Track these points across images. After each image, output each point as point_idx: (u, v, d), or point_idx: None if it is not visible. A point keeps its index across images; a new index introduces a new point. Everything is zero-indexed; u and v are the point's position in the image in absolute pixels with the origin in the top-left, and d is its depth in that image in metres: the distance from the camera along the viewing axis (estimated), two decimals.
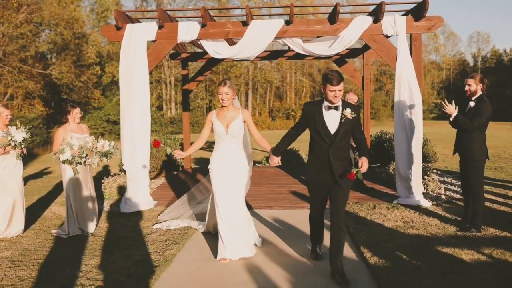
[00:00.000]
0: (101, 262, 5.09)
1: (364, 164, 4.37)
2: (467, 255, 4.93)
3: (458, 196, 8.02)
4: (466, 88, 5.85)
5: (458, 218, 6.45)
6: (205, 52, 10.47)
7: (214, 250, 5.24)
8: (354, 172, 4.25)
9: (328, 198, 4.70)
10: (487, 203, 7.27)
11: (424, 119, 7.71)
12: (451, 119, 5.90)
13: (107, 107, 45.31)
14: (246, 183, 5.35)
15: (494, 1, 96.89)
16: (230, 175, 5.12)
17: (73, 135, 6.22)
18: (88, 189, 6.39)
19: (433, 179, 8.73)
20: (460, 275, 4.36)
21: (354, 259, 5.05)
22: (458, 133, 6.05)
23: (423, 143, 10.68)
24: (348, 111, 4.41)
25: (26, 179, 11.27)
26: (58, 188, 10.05)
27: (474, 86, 5.76)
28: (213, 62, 11.84)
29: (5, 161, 6.16)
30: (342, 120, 4.42)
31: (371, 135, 11.70)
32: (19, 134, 6.14)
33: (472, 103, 5.80)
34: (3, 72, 34.49)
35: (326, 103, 4.48)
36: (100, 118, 43.17)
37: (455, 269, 4.53)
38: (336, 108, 4.45)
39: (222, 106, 5.19)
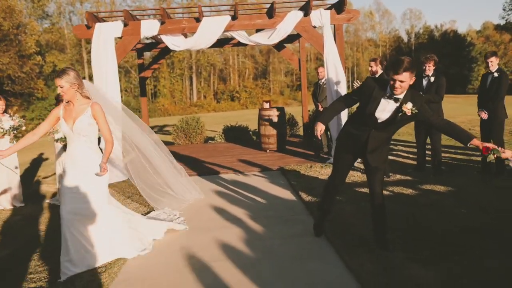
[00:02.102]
0: None
1: (507, 152, 3.74)
2: None
3: None
4: (369, 69, 7.66)
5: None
6: (158, 43, 11.88)
7: None
8: (495, 154, 3.68)
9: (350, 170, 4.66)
10: (399, 158, 9.24)
11: None
12: None
13: (51, 97, 45.04)
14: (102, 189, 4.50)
15: None
16: (76, 182, 4.34)
17: None
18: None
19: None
20: (368, 203, 6.13)
21: (294, 199, 6.74)
22: None
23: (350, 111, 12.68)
24: (409, 106, 3.95)
25: None
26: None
27: (375, 67, 7.58)
28: (166, 51, 13.16)
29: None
30: (399, 115, 4.03)
31: (309, 110, 13.41)
32: (7, 122, 7.36)
33: None
34: None
35: (388, 90, 4.02)
36: (45, 108, 42.82)
37: (365, 199, 6.27)
38: (396, 100, 3.99)
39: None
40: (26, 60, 41.50)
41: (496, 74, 7.20)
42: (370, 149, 4.25)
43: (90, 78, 47.81)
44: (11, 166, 7.43)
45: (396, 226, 5.03)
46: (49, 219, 6.45)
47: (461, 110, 22.11)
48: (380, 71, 7.64)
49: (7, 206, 7.36)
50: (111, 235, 4.48)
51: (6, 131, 7.19)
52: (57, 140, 7.27)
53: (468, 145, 3.82)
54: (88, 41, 45.53)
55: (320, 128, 4.33)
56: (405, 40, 79.19)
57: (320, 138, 4.78)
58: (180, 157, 10.99)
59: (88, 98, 4.44)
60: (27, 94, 42.31)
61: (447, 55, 62.48)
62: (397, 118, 4.04)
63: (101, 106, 4.44)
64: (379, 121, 4.10)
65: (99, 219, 4.38)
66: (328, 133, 10.15)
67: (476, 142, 3.78)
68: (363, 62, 75.04)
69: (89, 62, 52.25)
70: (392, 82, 3.88)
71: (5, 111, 7.44)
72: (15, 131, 7.35)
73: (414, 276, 3.69)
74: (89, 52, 51.02)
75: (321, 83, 10.20)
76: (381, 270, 3.85)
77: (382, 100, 4.02)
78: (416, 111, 3.94)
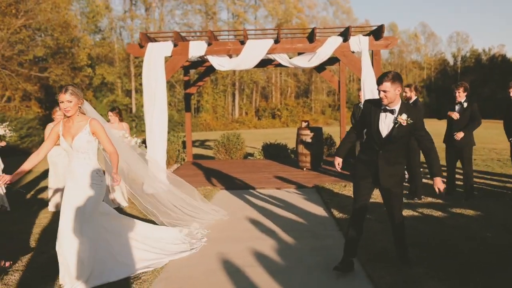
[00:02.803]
0: None
1: (439, 185, 4.43)
2: (406, 212, 6.98)
3: None
4: (404, 94, 7.97)
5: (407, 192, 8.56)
6: (203, 61, 12.51)
7: None
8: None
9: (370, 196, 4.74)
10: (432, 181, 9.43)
11: None
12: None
13: (98, 108, 46.47)
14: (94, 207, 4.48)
15: (472, 1, 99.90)
16: (73, 198, 4.40)
17: None
18: None
19: None
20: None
21: (326, 216, 7.10)
22: None
23: None
24: (403, 117, 4.29)
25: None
26: None
27: (409, 93, 7.89)
28: (211, 69, 13.79)
29: None
30: (396, 126, 4.32)
31: (347, 131, 13.68)
32: None
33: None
34: (2, 76, 35.95)
35: (383, 105, 4.41)
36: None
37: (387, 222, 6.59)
38: (392, 112, 4.36)
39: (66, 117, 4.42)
40: (78, 72, 43.32)
41: None
42: (382, 171, 4.44)
43: (137, 91, 49.21)
44: None
45: (420, 244, 5.33)
46: None
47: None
48: (414, 97, 7.94)
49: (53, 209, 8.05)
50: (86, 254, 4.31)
51: None
52: None
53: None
54: (137, 56, 47.35)
55: (337, 161, 4.83)
56: (451, 63, 78.06)
57: (340, 170, 4.94)
58: (220, 172, 11.51)
59: (84, 114, 4.50)
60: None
61: (494, 80, 61.35)
62: (395, 131, 4.32)
63: (99, 121, 4.51)
64: (383, 136, 4.38)
65: (82, 235, 4.29)
66: None
67: (436, 180, 4.43)
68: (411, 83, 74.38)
69: (136, 75, 54.24)
70: (379, 94, 4.31)
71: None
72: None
73: None
74: (136, 66, 52.95)
75: (360, 105, 10.54)
76: (400, 283, 4.17)
77: (381, 114, 4.38)
78: (411, 121, 4.28)
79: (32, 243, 5.98)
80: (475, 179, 9.57)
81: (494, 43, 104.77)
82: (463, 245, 5.31)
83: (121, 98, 51.59)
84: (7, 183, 4.12)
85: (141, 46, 9.71)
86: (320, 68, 13.65)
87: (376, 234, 5.85)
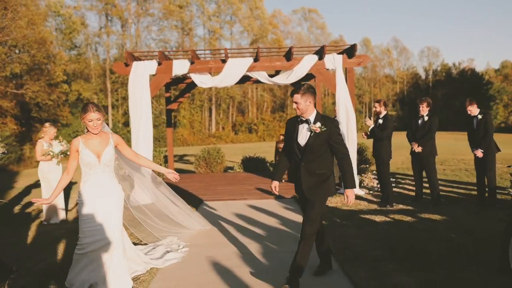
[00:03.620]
0: None
1: (349, 198, 4.55)
2: (379, 218, 7.56)
3: None
4: (373, 109, 8.60)
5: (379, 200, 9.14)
6: (184, 78, 12.99)
7: None
8: None
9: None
10: (403, 190, 10.08)
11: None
12: (369, 130, 8.63)
13: (74, 124, 46.46)
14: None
15: (443, 17, 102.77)
16: (104, 209, 4.59)
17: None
18: None
19: (368, 176, 11.41)
20: (371, 227, 6.99)
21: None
22: (373, 142, 8.76)
23: (364, 149, 13.59)
24: (317, 125, 4.46)
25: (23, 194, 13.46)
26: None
27: (379, 108, 8.52)
28: (192, 86, 14.28)
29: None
30: (311, 134, 4.48)
31: None
32: (57, 147, 8.45)
33: (380, 120, 8.53)
34: None
35: (300, 117, 4.62)
36: (69, 135, 43.88)
37: (368, 224, 7.15)
38: (307, 121, 4.55)
39: (89, 132, 4.58)
40: (54, 88, 43.17)
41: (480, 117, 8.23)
42: (304, 181, 4.58)
43: (113, 107, 49.13)
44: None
45: (391, 246, 5.88)
46: None
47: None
48: (384, 112, 8.56)
49: (56, 221, 8.39)
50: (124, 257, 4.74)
51: (55, 154, 8.25)
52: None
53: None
54: (112, 72, 47.00)
55: (274, 185, 4.87)
56: (423, 77, 79.90)
57: (277, 194, 5.00)
58: (202, 185, 11.95)
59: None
60: (53, 121, 43.82)
61: (464, 93, 62.96)
62: (310, 139, 4.49)
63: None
64: (301, 145, 4.55)
65: (119, 245, 4.62)
66: None
67: (347, 192, 4.53)
68: (380, 98, 75.77)
69: (112, 91, 54.32)
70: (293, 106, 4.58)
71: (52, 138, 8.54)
72: (62, 155, 8.39)
73: (399, 281, 4.54)
74: (113, 82, 53.11)
75: (336, 118, 11.14)
76: (373, 277, 4.70)
77: (299, 126, 4.62)
78: (324, 128, 4.45)
79: (30, 252, 6.34)
80: (443, 188, 10.27)
81: (464, 57, 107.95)
82: (430, 245, 5.87)
83: None
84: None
85: (127, 64, 10.16)
86: (297, 84, 14.23)
87: (352, 238, 6.38)
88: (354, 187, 4.59)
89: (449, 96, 63.79)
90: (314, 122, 4.50)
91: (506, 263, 4.63)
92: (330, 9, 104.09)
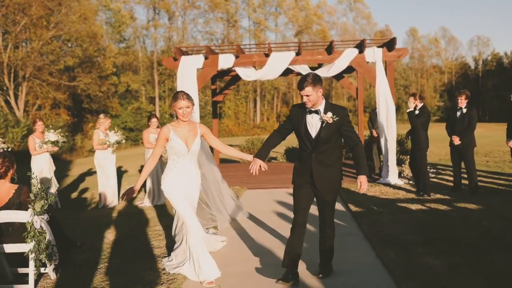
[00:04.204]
0: None
1: (362, 184, 4.41)
2: (415, 207, 7.86)
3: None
4: (409, 104, 8.87)
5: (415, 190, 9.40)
6: (229, 71, 13.51)
7: None
8: None
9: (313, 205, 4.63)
10: (443, 180, 10.28)
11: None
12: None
13: (123, 115, 47.90)
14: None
15: (493, 5, 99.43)
16: (191, 194, 4.85)
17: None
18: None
19: (407, 167, 11.62)
20: (406, 214, 7.30)
21: (343, 210, 8.00)
22: (411, 132, 9.01)
23: (405, 140, 13.75)
24: (328, 115, 4.30)
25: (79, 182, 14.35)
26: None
27: (414, 101, 8.77)
28: (236, 78, 14.78)
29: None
30: (323, 125, 4.34)
31: (365, 135, 14.57)
32: (113, 137, 9.12)
33: (417, 111, 8.78)
34: (34, 85, 37.54)
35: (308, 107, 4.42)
36: (117, 125, 45.24)
37: (404, 212, 7.47)
38: (316, 112, 4.38)
39: (179, 120, 4.68)
40: (104, 81, 44.75)
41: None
42: (316, 174, 4.42)
43: (160, 98, 50.30)
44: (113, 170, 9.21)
45: (424, 232, 6.21)
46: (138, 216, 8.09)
47: None
48: (420, 104, 8.79)
49: (111, 205, 9.17)
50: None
51: (111, 144, 8.93)
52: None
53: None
54: (159, 64, 48.03)
55: (256, 165, 4.62)
56: (472, 67, 77.86)
57: (257, 173, 4.65)
58: (245, 173, 12.48)
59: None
60: (102, 111, 45.50)
61: None
62: (323, 130, 4.33)
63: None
64: (313, 137, 4.39)
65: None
66: (381, 156, 11.29)
67: (360, 178, 4.40)
68: (428, 89, 74.41)
69: (159, 83, 55.67)
70: (302, 98, 4.34)
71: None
72: (117, 144, 9.06)
73: (426, 263, 4.89)
74: (160, 74, 54.38)
75: (376, 111, 11.38)
76: (402, 258, 5.06)
77: (307, 116, 4.42)
78: (337, 118, 4.31)
79: (89, 232, 7.01)
80: (484, 179, 10.41)
81: None
82: (461, 231, 6.16)
83: (145, 105, 52.96)
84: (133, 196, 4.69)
85: (175, 59, 10.75)
86: (339, 76, 14.53)
87: (386, 223, 6.74)
88: (367, 173, 4.52)
89: (500, 87, 61.81)
90: (325, 112, 4.36)
91: None
92: None
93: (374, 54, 10.40)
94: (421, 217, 7.12)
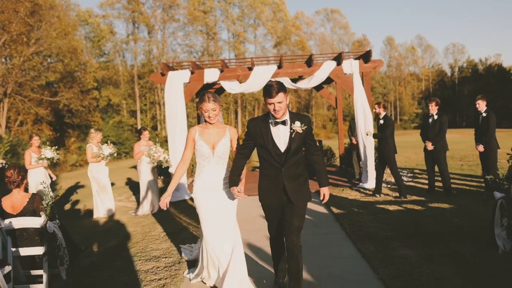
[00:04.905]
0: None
1: (326, 196, 4.41)
2: (392, 208, 8.46)
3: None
4: (374, 111, 9.63)
5: (397, 193, 10.00)
6: (214, 84, 14.05)
7: None
8: None
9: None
10: (419, 184, 10.94)
11: (405, 128, 11.41)
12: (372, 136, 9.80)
13: (105, 129, 47.94)
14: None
15: (467, 13, 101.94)
16: (218, 203, 4.55)
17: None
18: None
19: (387, 172, 12.24)
20: (384, 214, 7.89)
21: (326, 212, 8.56)
22: (378, 141, 9.72)
23: None
24: (297, 124, 4.07)
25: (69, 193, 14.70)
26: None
27: (378, 109, 9.47)
28: (220, 91, 15.30)
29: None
30: (292, 136, 4.10)
31: (344, 143, 15.18)
32: (107, 150, 9.56)
33: (381, 121, 9.51)
34: (15, 101, 37.58)
35: (272, 118, 4.13)
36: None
37: (382, 212, 8.06)
38: (283, 123, 4.10)
39: (206, 123, 4.55)
40: (85, 95, 44.87)
41: (484, 114, 8.98)
42: (290, 189, 4.20)
43: (141, 112, 50.33)
44: (107, 181, 9.61)
45: (399, 227, 6.81)
46: (133, 227, 8.54)
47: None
48: (383, 113, 9.53)
49: (105, 215, 9.55)
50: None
51: (105, 156, 9.37)
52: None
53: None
54: (140, 77, 48.22)
55: (236, 191, 4.30)
56: (449, 74, 79.52)
57: (243, 196, 4.35)
58: None
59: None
60: (84, 126, 45.66)
61: (491, 89, 62.55)
62: (293, 142, 4.10)
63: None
64: (282, 150, 4.14)
65: (236, 239, 4.58)
66: (360, 162, 11.90)
67: (323, 190, 4.39)
68: (406, 96, 75.83)
69: (140, 96, 55.91)
70: (271, 107, 3.99)
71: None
72: (110, 157, 9.50)
73: (401, 254, 5.47)
74: (141, 87, 54.60)
75: (355, 119, 12.00)
76: (380, 250, 5.64)
77: (272, 128, 4.13)
78: (305, 126, 4.10)
79: (89, 240, 7.45)
80: (458, 181, 11.09)
81: (490, 53, 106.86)
82: (433, 227, 6.77)
83: (126, 118, 53.07)
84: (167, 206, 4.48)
85: (163, 74, 11.26)
86: (319, 87, 15.16)
87: (367, 222, 7.32)
88: (329, 184, 4.46)
89: (475, 93, 63.10)
90: (292, 122, 4.14)
91: (492, 239, 5.52)
92: (352, 9, 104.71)
93: (351, 66, 11.04)
94: (398, 216, 7.71)
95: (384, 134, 9.45)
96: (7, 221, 5.01)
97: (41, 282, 5.04)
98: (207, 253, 4.60)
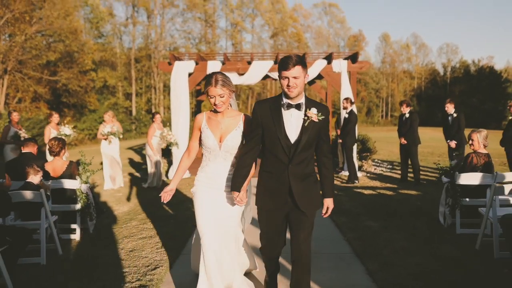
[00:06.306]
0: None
1: (329, 209, 3.64)
2: (368, 192, 9.75)
3: (380, 172, 12.91)
4: (341, 105, 11.12)
5: (375, 182, 11.27)
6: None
7: None
8: None
9: (288, 229, 3.69)
10: (394, 174, 12.27)
11: (395, 124, 12.39)
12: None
13: (99, 111, 48.76)
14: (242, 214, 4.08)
15: (463, 14, 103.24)
16: (221, 204, 3.81)
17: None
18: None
19: (368, 163, 13.53)
20: (360, 196, 9.17)
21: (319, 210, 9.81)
22: (341, 132, 11.08)
23: (367, 139, 15.66)
24: (313, 111, 3.37)
25: None
26: None
27: (345, 104, 10.88)
28: None
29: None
30: (306, 124, 3.36)
31: (332, 135, 16.39)
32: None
33: (346, 115, 10.89)
34: (15, 79, 38.45)
35: (284, 100, 3.41)
36: (95, 120, 45.63)
37: (358, 195, 9.36)
38: (298, 107, 3.39)
39: (215, 111, 3.78)
40: (83, 76, 45.63)
41: (455, 115, 10.27)
42: (296, 191, 3.45)
43: (137, 95, 50.86)
44: (116, 157, 10.75)
45: (370, 206, 8.11)
46: (141, 197, 9.81)
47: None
48: (350, 107, 11.02)
49: (113, 187, 10.72)
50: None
51: (105, 134, 10.47)
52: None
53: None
54: (137, 61, 48.89)
55: (239, 198, 3.63)
56: (441, 73, 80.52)
57: (243, 204, 3.73)
58: None
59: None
60: (80, 106, 46.47)
61: (482, 91, 63.68)
62: (305, 127, 3.39)
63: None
64: (292, 141, 3.40)
65: (237, 241, 4.01)
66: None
67: (327, 202, 3.61)
68: (398, 93, 76.91)
69: (136, 79, 56.72)
70: (285, 82, 3.29)
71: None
72: (112, 135, 10.53)
73: (366, 225, 6.79)
74: (138, 71, 55.42)
75: (339, 113, 13.27)
76: (350, 222, 6.96)
77: (284, 113, 3.41)
78: (323, 116, 3.42)
79: (103, 207, 8.67)
80: (429, 173, 12.37)
81: (483, 55, 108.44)
82: (398, 207, 8.08)
83: (122, 101, 53.75)
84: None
85: (170, 63, 12.42)
86: (311, 81, 16.40)
87: (344, 202, 8.62)
88: (333, 196, 3.68)
89: (466, 93, 64.44)
90: (308, 108, 3.43)
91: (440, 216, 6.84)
92: (350, 4, 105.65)
93: (340, 65, 12.26)
94: (371, 198, 9.00)
95: (347, 130, 10.96)
96: (50, 182, 6.20)
97: (74, 233, 6.28)
98: (205, 263, 3.70)
